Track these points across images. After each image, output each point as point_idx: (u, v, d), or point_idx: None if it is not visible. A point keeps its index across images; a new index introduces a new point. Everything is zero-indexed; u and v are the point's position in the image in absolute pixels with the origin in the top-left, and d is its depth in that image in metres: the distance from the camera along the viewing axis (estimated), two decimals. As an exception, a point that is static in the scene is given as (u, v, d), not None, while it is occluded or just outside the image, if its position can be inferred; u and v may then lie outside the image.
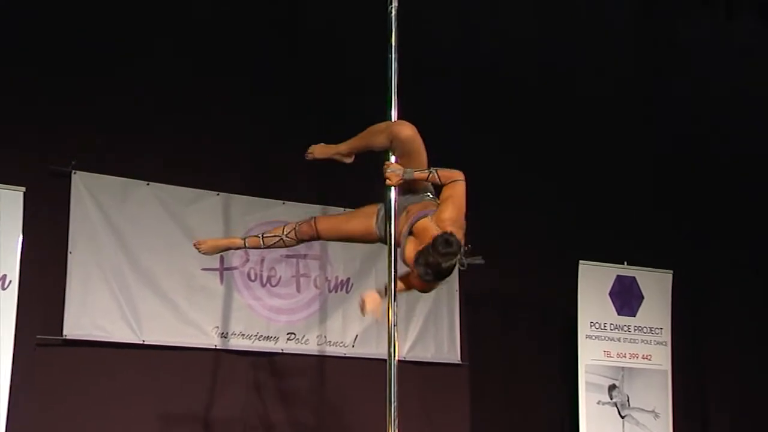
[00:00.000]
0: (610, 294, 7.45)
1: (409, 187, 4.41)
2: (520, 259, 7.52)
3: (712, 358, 8.14)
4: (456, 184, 4.31)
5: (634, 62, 8.05)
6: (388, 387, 4.23)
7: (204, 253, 4.81)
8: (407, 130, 4.34)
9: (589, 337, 7.32)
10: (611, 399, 7.33)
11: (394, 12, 4.43)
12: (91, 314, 6.12)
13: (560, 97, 7.76)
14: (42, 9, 6.20)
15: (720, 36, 8.18)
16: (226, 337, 6.53)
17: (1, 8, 6.00)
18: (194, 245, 4.77)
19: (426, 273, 4.12)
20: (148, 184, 6.41)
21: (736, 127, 8.29)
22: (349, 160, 4.65)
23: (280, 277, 6.75)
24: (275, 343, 6.69)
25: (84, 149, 6.22)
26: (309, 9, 6.97)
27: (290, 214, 6.31)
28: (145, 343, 6.28)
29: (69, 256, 6.11)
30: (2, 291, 5.59)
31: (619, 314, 7.44)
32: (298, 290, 6.80)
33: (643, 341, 7.51)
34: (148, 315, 6.29)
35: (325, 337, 6.81)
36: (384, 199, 4.37)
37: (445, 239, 4.07)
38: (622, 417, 7.35)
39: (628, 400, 7.38)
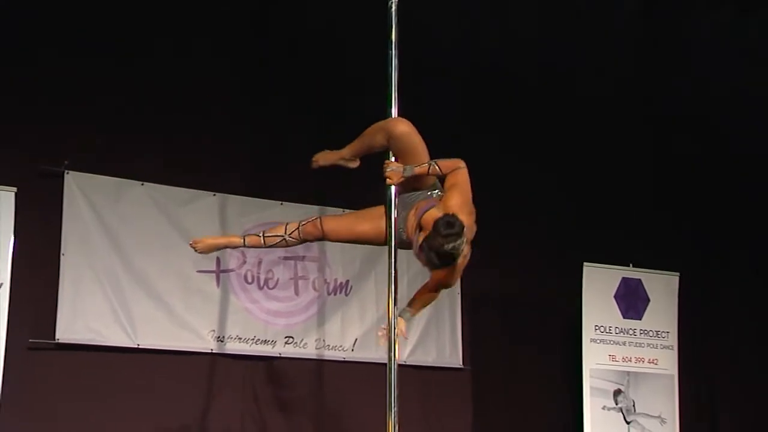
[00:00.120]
0: (615, 297, 7.45)
1: (415, 185, 4.39)
2: (523, 261, 7.54)
3: (720, 362, 8.13)
4: (458, 171, 4.29)
5: (634, 61, 8.08)
6: (388, 392, 4.22)
7: (200, 253, 4.74)
8: (401, 127, 4.34)
9: (593, 340, 7.31)
10: (616, 404, 7.33)
11: (394, 8, 4.45)
12: (85, 317, 6.08)
13: (563, 97, 7.77)
14: (36, 8, 6.18)
15: (723, 35, 8.15)
16: (222, 341, 6.50)
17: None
18: (191, 244, 4.70)
19: (430, 259, 4.09)
20: (142, 185, 6.38)
21: (740, 127, 8.29)
22: (353, 165, 4.66)
23: (277, 280, 6.72)
24: (273, 347, 6.65)
25: (77, 149, 6.19)
26: (309, 9, 6.98)
27: (288, 215, 6.25)
28: (140, 347, 6.24)
29: (62, 257, 6.07)
30: (-7, 294, 5.54)
31: (624, 317, 7.44)
32: (297, 293, 6.78)
33: (649, 345, 7.51)
34: (143, 318, 6.26)
35: (323, 340, 6.79)
36: (384, 198, 4.36)
37: (446, 221, 4.05)
38: (628, 423, 7.34)
39: (633, 406, 7.37)
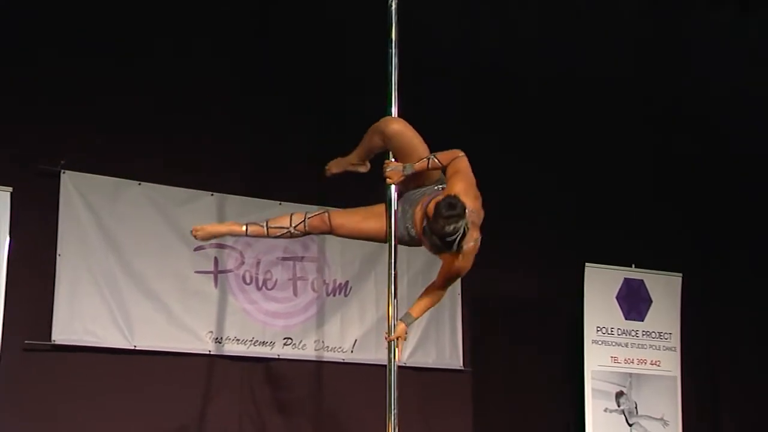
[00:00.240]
0: (618, 298, 7.44)
1: (419, 182, 4.40)
2: (524, 261, 7.52)
3: (723, 363, 8.12)
4: (458, 160, 4.29)
5: (634, 61, 8.08)
6: (388, 394, 4.22)
7: (201, 240, 4.70)
8: (394, 126, 4.36)
9: (595, 342, 7.30)
10: (618, 406, 7.31)
11: (394, 6, 4.46)
12: (81, 318, 6.05)
13: (565, 96, 7.77)
14: (33, 7, 6.16)
15: (723, 35, 8.17)
16: (220, 343, 6.47)
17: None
18: (192, 231, 4.64)
19: (434, 243, 4.09)
20: (139, 184, 6.35)
21: (743, 126, 8.30)
22: (363, 169, 4.70)
23: (276, 280, 6.69)
24: (271, 348, 6.62)
25: (73, 148, 6.16)
26: (309, 9, 6.98)
27: (287, 215, 6.21)
28: (137, 348, 6.21)
29: (58, 258, 6.04)
30: (-11, 294, 5.54)
31: (626, 318, 7.43)
32: (295, 294, 6.76)
33: (651, 346, 7.50)
34: (140, 319, 6.23)
35: (322, 342, 6.76)
36: (386, 198, 4.39)
37: (448, 202, 4.05)
38: (630, 425, 7.33)
39: (636, 408, 7.36)
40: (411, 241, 4.46)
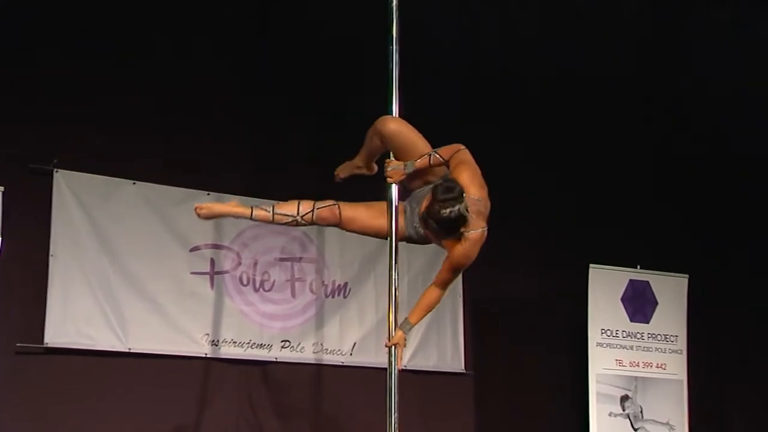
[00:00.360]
0: (623, 299, 7.41)
1: (424, 179, 4.39)
2: (527, 262, 7.52)
3: (731, 366, 8.11)
4: (460, 153, 4.30)
5: (639, 62, 8.10)
6: (388, 397, 4.23)
7: (203, 218, 4.60)
8: (390, 125, 4.36)
9: (600, 344, 7.29)
10: (623, 410, 7.29)
11: (395, 2, 4.49)
12: (74, 321, 6.04)
13: (568, 96, 7.79)
14: (31, 6, 6.16)
15: (723, 35, 8.20)
16: (216, 345, 6.46)
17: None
18: (195, 209, 4.56)
19: (431, 227, 4.12)
20: (134, 183, 6.34)
21: (752, 126, 8.29)
22: (369, 171, 4.73)
23: (273, 282, 6.68)
24: (269, 351, 6.61)
25: (66, 147, 6.14)
26: (309, 9, 7.01)
27: (286, 215, 6.20)
28: (132, 351, 6.19)
29: (50, 259, 6.02)
30: (-21, 296, 5.62)
31: (631, 321, 7.41)
32: (293, 295, 6.74)
33: (657, 349, 7.47)
34: (135, 321, 6.22)
35: (321, 344, 6.75)
36: (387, 197, 4.41)
37: (445, 186, 4.08)
38: (635, 429, 7.30)
39: (641, 412, 7.34)
40: (419, 239, 4.46)
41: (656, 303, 7.48)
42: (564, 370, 7.52)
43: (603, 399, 7.19)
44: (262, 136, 6.79)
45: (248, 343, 6.52)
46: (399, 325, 4.35)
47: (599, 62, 7.83)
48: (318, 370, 6.72)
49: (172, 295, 6.32)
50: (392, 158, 4.41)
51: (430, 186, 4.34)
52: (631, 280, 7.42)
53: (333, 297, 6.83)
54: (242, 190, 6.55)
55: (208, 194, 6.49)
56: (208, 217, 4.59)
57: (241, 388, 6.50)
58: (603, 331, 7.27)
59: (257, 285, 6.61)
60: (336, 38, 6.97)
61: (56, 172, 6.06)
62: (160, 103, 6.46)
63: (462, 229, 4.13)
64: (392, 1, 4.48)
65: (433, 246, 4.56)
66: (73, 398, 5.98)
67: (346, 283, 6.86)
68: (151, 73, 6.44)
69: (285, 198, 6.50)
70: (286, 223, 4.52)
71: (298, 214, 4.47)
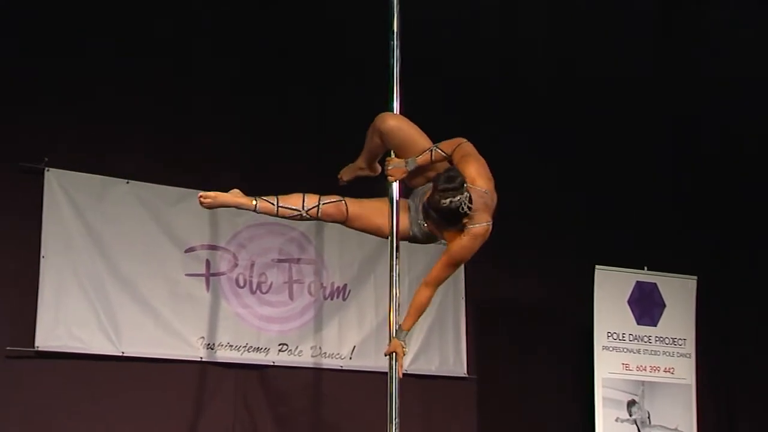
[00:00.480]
0: (629, 302, 7.39)
1: (428, 175, 4.36)
2: (531, 264, 7.50)
3: (740, 371, 8.08)
4: (462, 145, 4.30)
5: (643, 62, 8.10)
6: (389, 402, 4.23)
7: (206, 207, 4.52)
8: (389, 122, 4.36)
9: (606, 348, 7.27)
10: (630, 416, 7.26)
11: None
12: (66, 324, 6.01)
13: (573, 95, 7.80)
14: (29, 6, 6.14)
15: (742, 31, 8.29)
16: (212, 349, 6.43)
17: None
18: (199, 198, 4.47)
19: (431, 217, 4.12)
20: (127, 183, 6.30)
21: (759, 127, 8.27)
22: (372, 172, 4.71)
23: (271, 284, 6.65)
24: (266, 354, 6.58)
25: (58, 145, 6.11)
26: (309, 8, 6.99)
27: (285, 216, 6.19)
28: (125, 354, 6.16)
29: (42, 260, 5.98)
30: (-31, 298, 5.60)
31: (638, 324, 7.39)
32: (291, 298, 6.71)
33: (664, 353, 7.45)
34: (128, 325, 6.19)
35: (320, 348, 6.73)
36: (389, 196, 4.41)
37: (447, 176, 4.07)
38: None
39: (648, 417, 7.31)
40: (423, 238, 4.44)
41: (664, 305, 7.47)
42: (569, 375, 7.51)
43: (609, 404, 7.16)
44: (258, 135, 6.77)
45: (245, 346, 6.49)
46: (395, 334, 4.33)
47: (606, 61, 7.83)
48: (317, 374, 6.69)
49: (166, 298, 6.30)
50: (393, 156, 4.40)
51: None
52: (638, 281, 7.41)
53: (332, 299, 6.81)
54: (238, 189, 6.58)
55: (203, 194, 6.51)
56: (211, 207, 4.52)
57: (237, 393, 6.46)
58: (609, 334, 7.26)
59: (254, 287, 6.59)
60: (336, 37, 6.99)
61: (47, 170, 6.03)
62: (154, 101, 6.43)
63: (465, 221, 4.12)
64: (393, -1, 4.50)
65: (434, 246, 4.54)
66: (64, 404, 5.94)
67: (345, 285, 6.84)
68: (145, 71, 6.40)
69: (283, 197, 6.54)
70: (290, 217, 4.48)
71: (303, 208, 4.42)
